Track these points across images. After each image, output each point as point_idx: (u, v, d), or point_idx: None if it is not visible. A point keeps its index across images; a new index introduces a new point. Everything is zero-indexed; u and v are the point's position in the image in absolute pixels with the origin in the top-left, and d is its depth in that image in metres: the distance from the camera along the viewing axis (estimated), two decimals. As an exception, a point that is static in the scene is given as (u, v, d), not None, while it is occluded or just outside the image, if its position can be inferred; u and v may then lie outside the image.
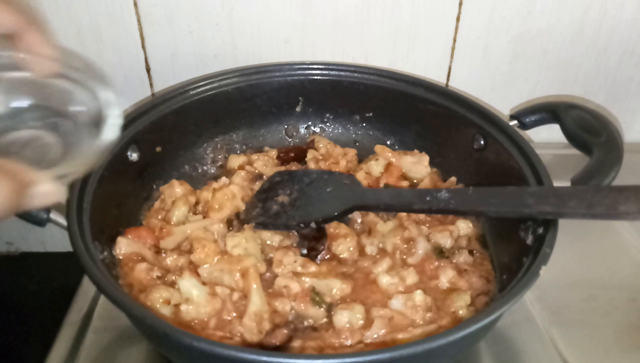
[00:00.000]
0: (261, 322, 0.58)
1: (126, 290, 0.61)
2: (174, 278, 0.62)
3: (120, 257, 0.64)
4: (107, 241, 0.64)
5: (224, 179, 0.76)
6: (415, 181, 0.80)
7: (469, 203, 0.62)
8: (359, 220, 0.72)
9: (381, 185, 0.77)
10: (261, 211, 0.71)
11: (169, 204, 0.72)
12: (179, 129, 0.78)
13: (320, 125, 0.87)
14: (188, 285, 0.60)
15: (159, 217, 0.71)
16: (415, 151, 0.81)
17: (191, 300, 0.60)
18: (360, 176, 0.77)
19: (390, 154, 0.80)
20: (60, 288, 0.76)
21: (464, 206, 0.62)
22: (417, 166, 0.79)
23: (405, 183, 0.78)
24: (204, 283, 0.62)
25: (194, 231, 0.68)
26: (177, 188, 0.73)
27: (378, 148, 0.81)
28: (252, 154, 0.82)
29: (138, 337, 0.64)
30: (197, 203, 0.73)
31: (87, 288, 0.72)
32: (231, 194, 0.72)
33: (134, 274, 0.62)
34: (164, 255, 0.66)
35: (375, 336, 0.58)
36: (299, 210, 0.70)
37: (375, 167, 0.79)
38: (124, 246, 0.64)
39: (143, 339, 0.64)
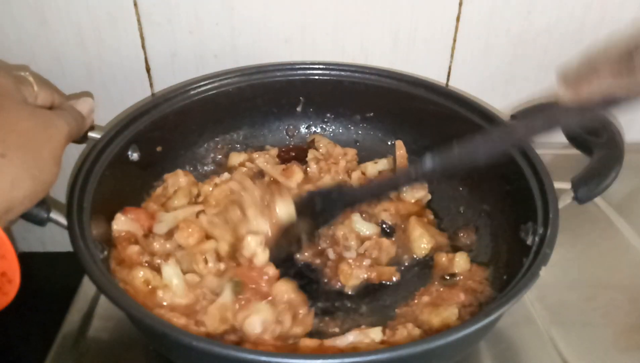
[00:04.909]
0: (225, 317, 0.59)
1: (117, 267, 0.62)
2: (159, 261, 0.62)
3: (116, 234, 0.65)
4: (107, 241, 0.63)
5: (225, 175, 0.76)
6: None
7: (452, 162, 0.61)
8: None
9: None
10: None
11: (170, 192, 0.73)
12: (179, 129, 0.78)
13: (320, 125, 0.87)
14: (171, 272, 0.61)
15: (159, 203, 0.72)
16: None
17: (169, 287, 0.60)
18: (355, 176, 0.79)
19: (402, 151, 0.80)
20: (60, 288, 0.76)
21: (448, 166, 0.61)
22: (410, 187, 0.78)
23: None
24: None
25: (186, 216, 0.68)
26: (181, 178, 0.74)
27: (399, 143, 0.81)
28: (253, 153, 0.82)
29: (138, 337, 0.64)
30: (198, 195, 0.74)
31: (87, 288, 0.72)
32: (229, 191, 0.72)
33: (127, 253, 0.63)
34: (151, 239, 0.66)
35: None
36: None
37: (370, 169, 0.80)
38: (120, 223, 0.65)
39: (143, 339, 0.64)
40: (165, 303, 0.60)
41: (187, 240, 0.65)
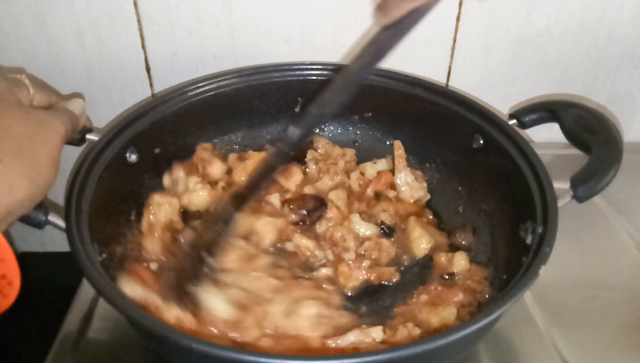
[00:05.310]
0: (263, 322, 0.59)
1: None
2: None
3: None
4: (105, 243, 0.63)
5: None
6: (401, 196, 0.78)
7: (313, 122, 0.63)
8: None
9: (369, 189, 0.78)
10: None
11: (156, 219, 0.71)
12: (177, 131, 0.77)
13: (319, 125, 0.87)
14: (212, 300, 0.59)
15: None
16: (419, 172, 0.80)
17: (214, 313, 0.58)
18: (354, 176, 0.79)
19: (400, 151, 0.79)
20: (60, 288, 0.76)
21: (311, 127, 0.63)
22: (409, 188, 0.78)
23: (392, 193, 0.78)
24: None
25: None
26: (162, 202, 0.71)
27: (397, 143, 0.80)
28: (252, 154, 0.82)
29: (138, 338, 0.64)
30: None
31: (87, 288, 0.72)
32: None
33: None
34: None
35: None
36: None
37: (369, 169, 0.80)
38: (127, 287, 0.59)
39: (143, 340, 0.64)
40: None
41: (232, 264, 0.64)
